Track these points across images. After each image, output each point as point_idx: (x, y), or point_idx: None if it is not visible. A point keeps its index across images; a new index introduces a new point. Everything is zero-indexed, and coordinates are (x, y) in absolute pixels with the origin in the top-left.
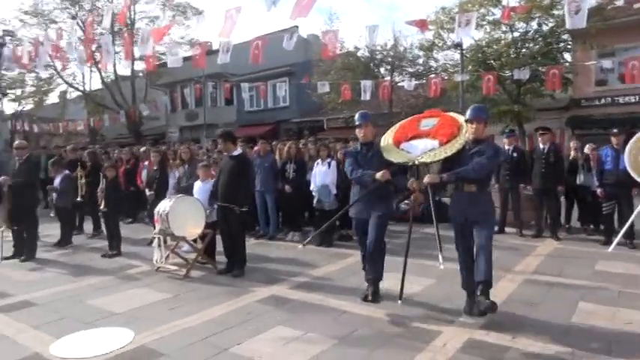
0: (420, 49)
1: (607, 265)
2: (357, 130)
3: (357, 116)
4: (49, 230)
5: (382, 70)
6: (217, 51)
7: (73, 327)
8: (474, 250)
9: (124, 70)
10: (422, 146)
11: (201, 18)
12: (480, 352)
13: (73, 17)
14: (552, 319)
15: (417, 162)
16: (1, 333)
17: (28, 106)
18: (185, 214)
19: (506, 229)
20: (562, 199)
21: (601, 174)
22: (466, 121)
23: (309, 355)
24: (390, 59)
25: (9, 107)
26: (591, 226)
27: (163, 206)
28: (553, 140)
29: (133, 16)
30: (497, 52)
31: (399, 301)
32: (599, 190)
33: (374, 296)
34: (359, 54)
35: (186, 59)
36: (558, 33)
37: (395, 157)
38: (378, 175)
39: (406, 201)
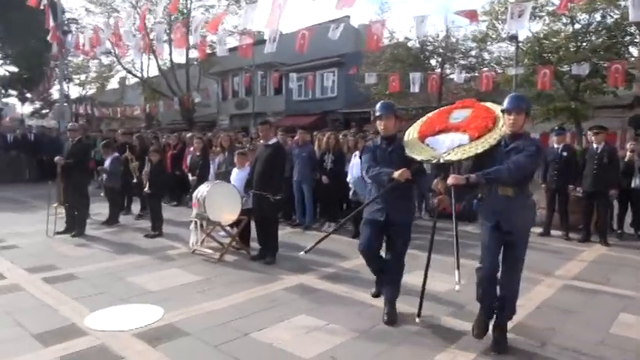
0: (473, 40)
1: None
2: (377, 122)
3: (377, 106)
4: (100, 209)
5: (433, 61)
6: (273, 41)
7: (110, 301)
8: (500, 271)
9: (179, 58)
10: (449, 142)
11: (251, 8)
12: (503, 358)
13: (134, 6)
14: (588, 329)
15: (441, 160)
16: (45, 302)
17: (91, 91)
18: (221, 200)
19: (552, 232)
20: (615, 202)
21: None
22: (503, 111)
23: (328, 346)
24: (441, 51)
25: (74, 91)
26: None
27: (201, 191)
28: (612, 140)
29: (189, 5)
30: (555, 45)
31: (418, 319)
32: None
33: (389, 318)
34: (409, 45)
35: (236, 49)
36: (624, 25)
37: (417, 153)
38: (396, 173)
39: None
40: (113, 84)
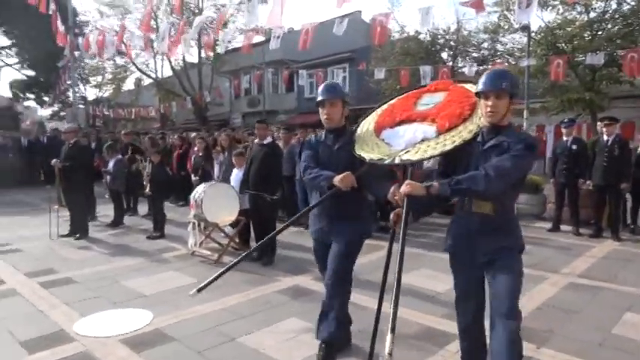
0: (485, 32)
1: None
2: (320, 111)
3: (319, 90)
4: (106, 211)
5: (444, 55)
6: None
7: (102, 306)
8: (490, 318)
9: (192, 57)
10: (410, 135)
11: (253, 5)
12: None
13: (152, 9)
14: (589, 330)
15: (396, 160)
16: (38, 308)
17: (107, 92)
18: (219, 200)
19: (562, 227)
20: (628, 195)
21: None
22: (478, 95)
23: (314, 350)
24: (452, 44)
25: (91, 93)
26: None
27: (198, 192)
28: (629, 131)
29: (201, 5)
30: (569, 35)
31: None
32: None
33: None
34: (421, 38)
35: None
36: None
37: (368, 150)
38: (337, 179)
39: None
40: (129, 85)
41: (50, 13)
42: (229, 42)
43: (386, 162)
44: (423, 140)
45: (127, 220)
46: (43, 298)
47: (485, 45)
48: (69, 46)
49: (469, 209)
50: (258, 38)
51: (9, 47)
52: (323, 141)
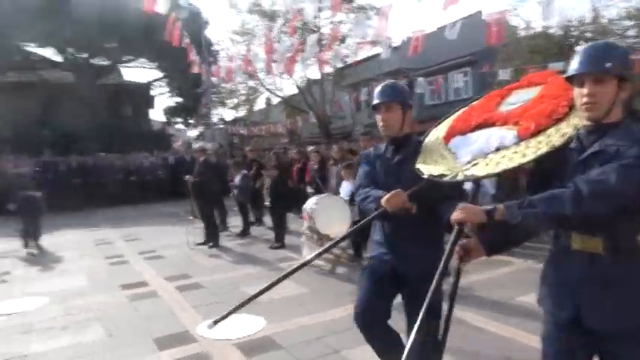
0: (629, 18)
1: None
2: (376, 117)
3: (375, 92)
4: (237, 222)
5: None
6: (397, 48)
7: (223, 310)
8: None
9: (314, 74)
10: (481, 143)
11: (362, 19)
12: None
13: (271, 31)
14: None
15: (459, 175)
16: (170, 309)
17: (241, 112)
18: (330, 212)
19: None
20: None
21: None
22: (569, 80)
23: None
24: (588, 35)
25: (229, 114)
26: None
27: (310, 204)
28: None
29: (318, 23)
30: None
31: None
32: None
33: None
34: (551, 32)
35: (365, 59)
36: None
37: (430, 162)
38: (384, 199)
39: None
40: (260, 104)
41: (184, 46)
42: (346, 57)
43: (446, 178)
44: (498, 149)
45: (254, 230)
46: (177, 300)
47: (632, 32)
48: (205, 74)
49: (568, 246)
50: (376, 50)
51: (161, 79)
52: (382, 154)
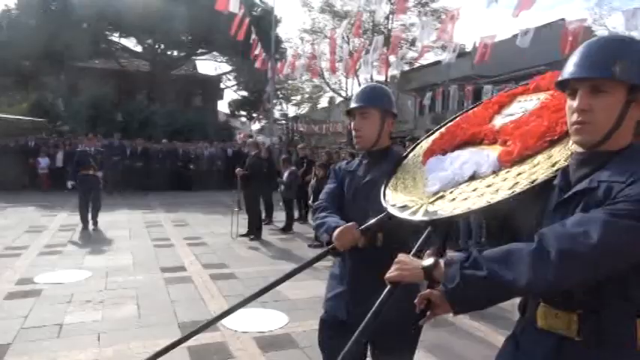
0: None
1: None
2: (350, 124)
3: (353, 96)
4: (283, 217)
5: None
6: (468, 53)
7: (251, 303)
8: None
9: (378, 76)
10: (454, 168)
11: (426, 22)
12: None
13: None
14: None
15: (419, 214)
16: (202, 296)
17: (304, 109)
18: None
19: None
20: None
21: None
22: (560, 87)
23: None
24: None
25: (292, 110)
26: None
27: None
28: None
29: (390, 26)
30: None
31: None
32: None
33: None
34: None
35: (433, 64)
36: None
37: (398, 188)
38: (337, 232)
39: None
40: (324, 103)
41: (251, 42)
42: (414, 60)
43: (405, 212)
44: (472, 178)
45: (297, 227)
46: (209, 288)
47: None
48: (270, 70)
49: (532, 320)
50: (445, 55)
51: (229, 72)
52: (353, 170)
